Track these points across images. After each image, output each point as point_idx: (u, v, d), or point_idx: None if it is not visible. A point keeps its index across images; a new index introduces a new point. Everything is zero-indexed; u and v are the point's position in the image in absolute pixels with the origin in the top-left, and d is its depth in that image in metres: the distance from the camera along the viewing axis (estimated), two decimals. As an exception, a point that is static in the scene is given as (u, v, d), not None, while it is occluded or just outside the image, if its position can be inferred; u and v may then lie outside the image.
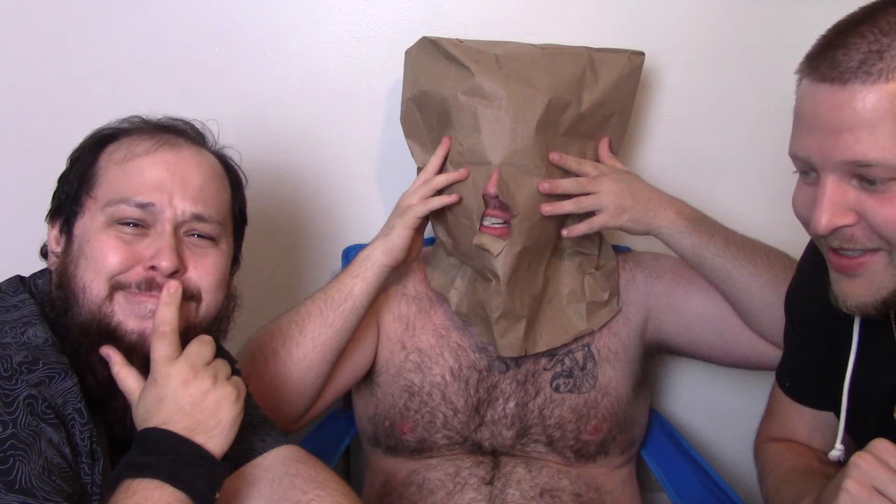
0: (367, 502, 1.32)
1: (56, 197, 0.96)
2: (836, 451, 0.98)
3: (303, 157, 1.51)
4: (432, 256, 1.38)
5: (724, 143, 1.54)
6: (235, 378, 0.89)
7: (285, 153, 1.50)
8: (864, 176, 0.79)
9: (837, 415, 0.98)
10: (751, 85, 1.50)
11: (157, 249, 0.90)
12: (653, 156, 1.54)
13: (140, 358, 0.88)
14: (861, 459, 0.80)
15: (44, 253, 0.98)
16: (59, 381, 0.82)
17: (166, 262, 0.89)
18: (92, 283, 0.88)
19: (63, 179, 0.96)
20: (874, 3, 0.80)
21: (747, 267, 1.19)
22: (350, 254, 1.51)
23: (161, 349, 0.86)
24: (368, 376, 1.35)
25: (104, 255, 0.89)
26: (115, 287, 0.89)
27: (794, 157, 0.85)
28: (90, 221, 0.91)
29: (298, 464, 0.95)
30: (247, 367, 1.18)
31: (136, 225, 0.91)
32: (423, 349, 1.33)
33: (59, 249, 0.93)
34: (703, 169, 1.55)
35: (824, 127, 0.79)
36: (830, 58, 0.78)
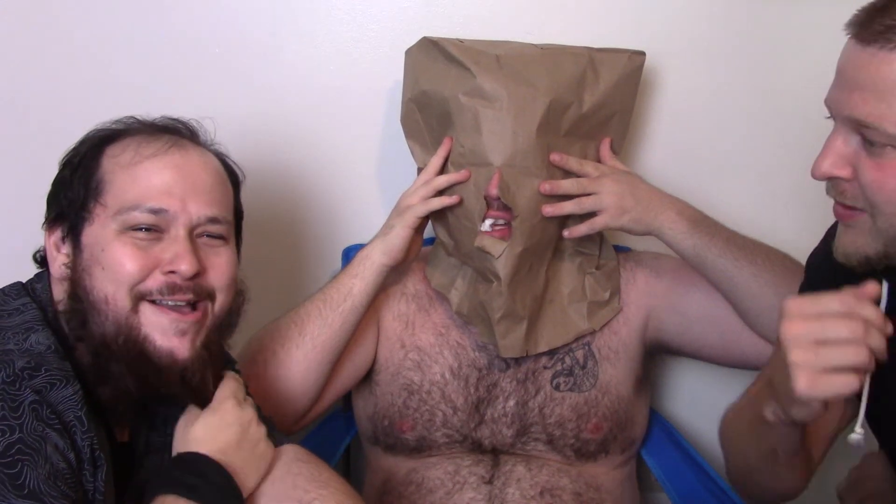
0: (368, 501, 1.32)
1: (56, 202, 0.94)
2: (856, 435, 0.95)
3: (303, 156, 1.51)
4: (432, 256, 1.38)
5: (724, 143, 1.54)
6: (266, 418, 0.94)
7: (285, 153, 1.50)
8: (864, 135, 0.82)
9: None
10: (751, 84, 1.50)
11: (175, 254, 0.89)
12: (654, 156, 1.54)
13: (174, 376, 0.89)
14: (788, 331, 0.81)
15: (37, 258, 0.97)
16: (60, 389, 0.82)
17: (186, 266, 0.89)
18: (115, 294, 0.88)
19: (63, 184, 0.94)
20: None
21: (748, 268, 1.19)
22: (350, 254, 1.50)
23: (231, 386, 0.93)
24: (368, 375, 1.35)
25: (122, 264, 0.88)
26: (139, 297, 0.89)
27: (825, 103, 0.88)
28: (101, 230, 0.90)
29: (300, 463, 0.95)
30: (247, 368, 1.18)
31: (149, 230, 0.90)
32: (423, 347, 1.33)
33: (65, 258, 0.92)
34: (703, 168, 1.54)
35: (844, 81, 0.83)
36: (867, 18, 0.81)
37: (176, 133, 0.97)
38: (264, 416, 1.01)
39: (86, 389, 0.85)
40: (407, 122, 1.34)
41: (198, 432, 0.88)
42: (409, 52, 1.32)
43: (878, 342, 0.81)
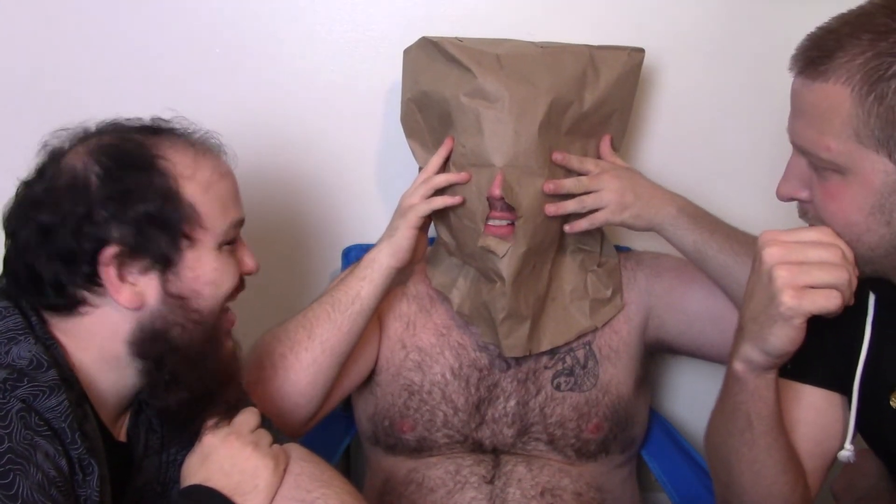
0: (368, 502, 1.32)
1: (139, 236, 0.86)
2: (846, 452, 0.97)
3: (302, 156, 1.51)
4: (433, 255, 1.38)
5: (724, 140, 1.55)
6: (276, 447, 0.94)
7: (285, 153, 1.50)
8: (808, 160, 0.86)
9: (847, 396, 0.97)
10: (750, 82, 1.51)
11: (247, 255, 0.97)
12: (653, 153, 1.55)
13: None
14: (770, 254, 0.86)
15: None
16: (44, 400, 0.81)
17: (255, 265, 0.97)
18: (212, 308, 0.92)
19: (147, 218, 0.86)
20: (871, 4, 0.83)
21: (749, 263, 1.19)
22: (350, 254, 1.51)
23: (210, 422, 0.93)
24: (369, 376, 1.35)
25: (231, 276, 0.93)
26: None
27: None
28: (205, 252, 0.91)
29: (302, 462, 0.95)
30: (255, 373, 1.17)
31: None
32: (424, 348, 1.33)
33: (155, 289, 0.89)
34: (703, 166, 1.55)
35: (791, 109, 0.88)
36: (802, 47, 0.85)
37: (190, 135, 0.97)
38: (266, 420, 1.01)
39: (79, 394, 0.85)
40: (407, 121, 1.34)
41: (184, 471, 0.91)
42: (407, 52, 1.32)
43: (852, 276, 0.85)
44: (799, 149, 0.87)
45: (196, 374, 0.90)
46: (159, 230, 0.86)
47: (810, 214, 0.89)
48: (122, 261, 0.85)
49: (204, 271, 0.89)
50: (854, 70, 0.79)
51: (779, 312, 0.84)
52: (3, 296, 0.89)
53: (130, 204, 0.85)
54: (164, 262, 0.87)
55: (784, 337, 0.86)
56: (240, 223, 0.95)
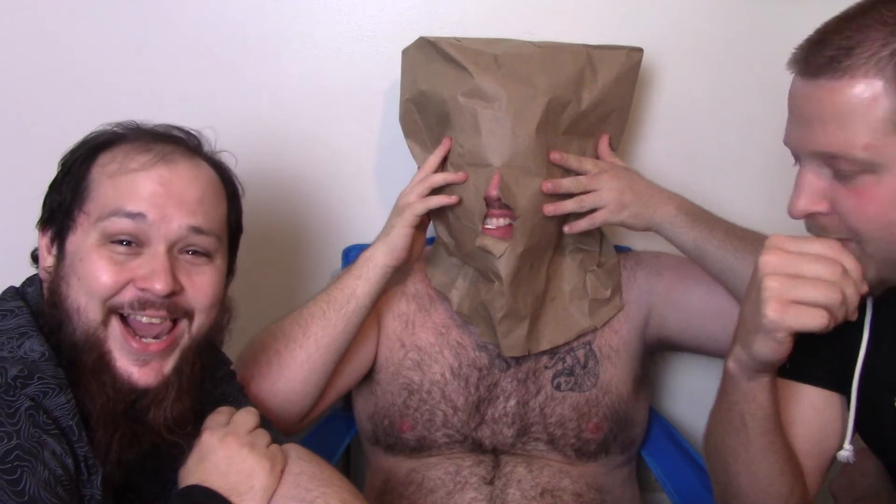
0: (368, 501, 1.32)
1: (48, 205, 0.94)
2: (845, 452, 0.97)
3: (302, 157, 1.51)
4: (433, 255, 1.38)
5: (722, 139, 1.55)
6: (274, 448, 0.93)
7: (284, 153, 1.51)
8: (834, 167, 0.82)
9: (845, 396, 0.97)
10: (749, 81, 1.51)
11: (151, 271, 0.87)
12: (651, 152, 1.55)
13: (125, 405, 0.87)
14: (765, 260, 0.84)
15: (34, 257, 0.96)
16: (53, 397, 0.82)
17: (160, 285, 0.87)
18: (87, 306, 0.87)
19: (55, 187, 0.94)
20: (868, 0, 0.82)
21: (749, 258, 1.19)
22: (350, 254, 1.51)
23: (215, 419, 0.94)
24: (368, 374, 1.35)
25: (96, 278, 0.87)
26: (110, 311, 0.88)
27: (785, 145, 0.89)
28: (83, 239, 0.89)
29: (302, 462, 0.95)
30: (250, 369, 1.18)
31: (129, 244, 0.88)
32: (423, 347, 1.33)
33: (50, 261, 0.92)
34: (701, 164, 1.55)
35: (800, 118, 0.84)
36: (808, 52, 0.82)
37: (172, 142, 0.95)
38: (265, 420, 1.01)
39: (79, 397, 0.85)
40: (405, 121, 1.34)
41: (182, 472, 0.90)
42: (405, 52, 1.32)
43: (852, 293, 0.82)
44: (819, 156, 0.83)
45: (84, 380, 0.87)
46: (58, 205, 0.92)
47: (830, 227, 0.85)
48: (44, 231, 0.94)
49: (73, 258, 0.89)
50: (884, 62, 0.77)
51: (762, 324, 0.83)
52: (17, 296, 0.91)
53: (56, 186, 0.94)
54: (60, 237, 0.91)
55: (766, 348, 0.85)
56: (137, 216, 0.88)
